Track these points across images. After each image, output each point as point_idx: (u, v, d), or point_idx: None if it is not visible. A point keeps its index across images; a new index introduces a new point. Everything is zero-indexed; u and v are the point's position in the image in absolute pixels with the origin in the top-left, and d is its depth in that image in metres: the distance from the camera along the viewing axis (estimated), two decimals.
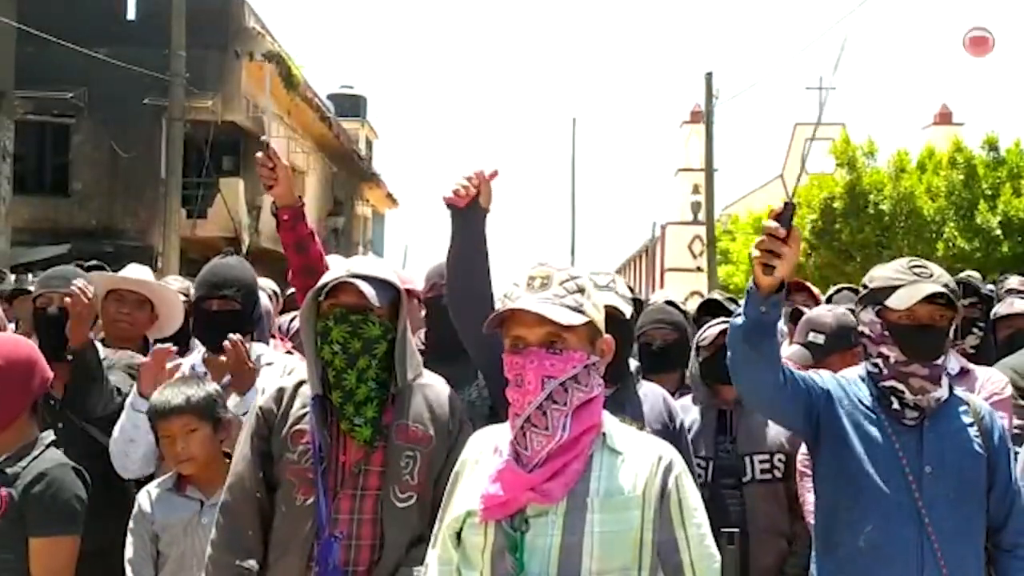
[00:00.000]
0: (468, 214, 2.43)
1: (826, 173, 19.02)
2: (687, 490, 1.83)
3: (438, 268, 3.36)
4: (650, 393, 2.69)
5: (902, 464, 2.27)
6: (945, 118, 25.68)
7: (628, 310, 2.60)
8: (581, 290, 1.83)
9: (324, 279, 2.27)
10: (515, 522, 1.75)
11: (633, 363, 2.74)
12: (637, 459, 1.82)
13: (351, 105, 26.29)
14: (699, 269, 23.79)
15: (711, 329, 3.11)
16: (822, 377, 2.41)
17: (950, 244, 16.48)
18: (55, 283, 3.19)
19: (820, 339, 3.21)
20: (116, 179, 14.21)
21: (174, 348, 3.01)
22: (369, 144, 28.35)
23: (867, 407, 2.34)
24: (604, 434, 1.84)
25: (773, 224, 2.02)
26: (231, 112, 15.12)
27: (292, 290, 3.68)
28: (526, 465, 1.77)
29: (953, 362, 2.95)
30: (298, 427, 2.22)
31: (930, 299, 2.27)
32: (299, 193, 3.07)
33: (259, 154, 2.78)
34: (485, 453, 1.87)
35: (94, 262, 4.97)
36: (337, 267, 2.34)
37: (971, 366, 3.05)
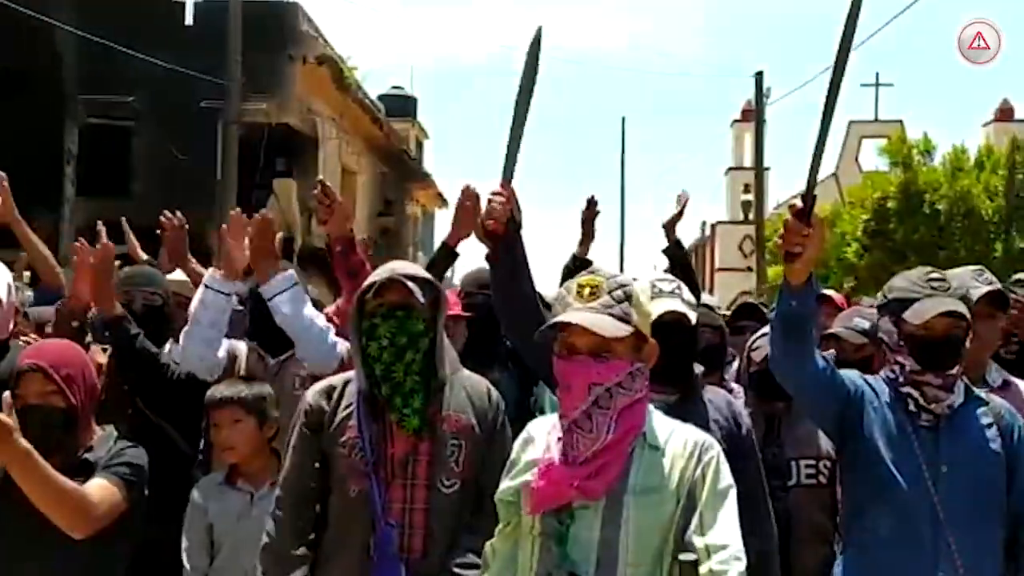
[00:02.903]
0: (507, 236, 2.54)
1: (880, 172, 18.73)
2: (717, 475, 1.90)
3: (473, 277, 3.44)
4: (715, 398, 2.70)
5: (920, 463, 2.38)
6: (1006, 114, 25.05)
7: (693, 316, 2.62)
8: (628, 298, 1.93)
9: (371, 279, 2.40)
10: (561, 516, 1.87)
11: (698, 368, 2.75)
12: (674, 452, 1.92)
13: (402, 106, 26.50)
14: (749, 269, 23.55)
15: (763, 346, 3.11)
16: (852, 377, 2.51)
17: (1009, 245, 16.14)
18: (137, 281, 3.33)
19: (865, 324, 3.27)
20: (174, 181, 14.50)
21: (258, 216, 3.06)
22: (419, 144, 28.57)
23: (889, 408, 2.44)
24: (645, 432, 1.94)
25: (793, 220, 2.18)
26: (285, 115, 15.37)
27: None
28: (572, 463, 1.88)
29: (995, 374, 2.98)
30: (346, 422, 2.35)
31: (946, 313, 2.36)
32: (350, 193, 3.20)
33: (316, 191, 2.90)
34: (540, 438, 1.99)
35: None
36: (380, 270, 2.46)
37: (1013, 379, 3.03)
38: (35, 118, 13.35)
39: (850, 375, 2.53)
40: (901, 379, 2.44)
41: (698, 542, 1.84)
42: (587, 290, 1.91)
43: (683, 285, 2.73)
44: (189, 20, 15.63)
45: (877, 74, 29.02)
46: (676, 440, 1.94)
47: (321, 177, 3.07)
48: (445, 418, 2.35)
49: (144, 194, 15.16)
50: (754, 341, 3.21)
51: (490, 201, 2.56)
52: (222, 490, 2.83)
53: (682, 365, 2.62)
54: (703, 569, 1.81)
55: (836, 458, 2.66)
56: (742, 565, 1.83)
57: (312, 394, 2.44)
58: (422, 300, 2.35)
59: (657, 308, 2.56)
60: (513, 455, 2.06)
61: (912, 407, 2.42)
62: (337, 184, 18.49)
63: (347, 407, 2.38)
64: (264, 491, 2.78)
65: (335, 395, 2.40)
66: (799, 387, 2.46)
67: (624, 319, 1.89)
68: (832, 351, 3.61)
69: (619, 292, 1.92)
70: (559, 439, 1.93)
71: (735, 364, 3.90)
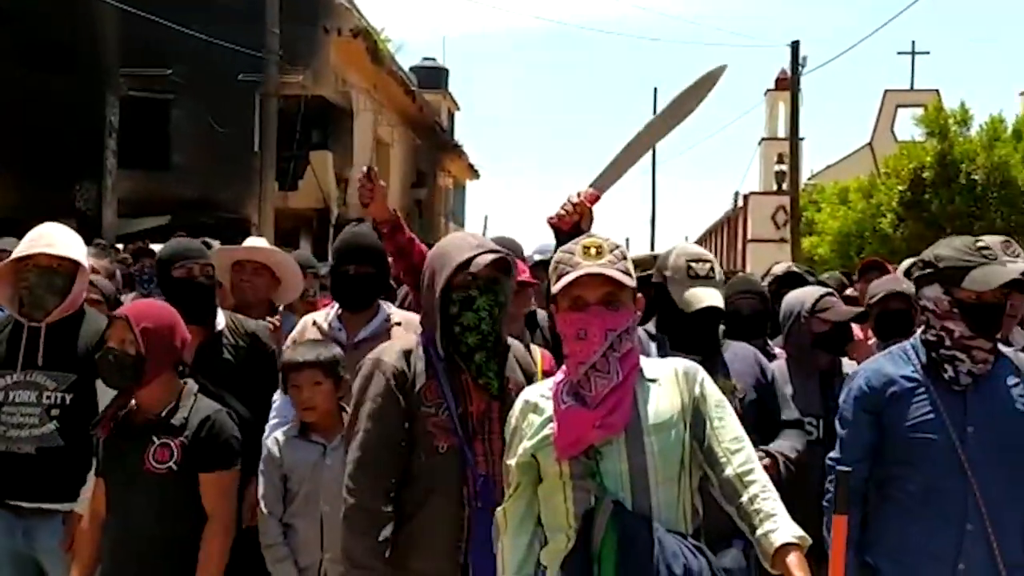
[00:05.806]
0: (572, 235, 2.67)
1: (916, 141, 18.51)
2: (712, 390, 2.19)
3: (539, 250, 3.61)
4: (739, 351, 2.94)
5: (947, 426, 2.48)
6: None
7: (722, 301, 2.82)
8: (625, 257, 2.17)
9: (467, 254, 2.42)
10: (589, 454, 2.09)
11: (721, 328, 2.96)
12: (669, 381, 2.18)
13: (433, 77, 26.56)
14: (782, 240, 23.44)
15: (832, 307, 3.30)
16: (869, 388, 2.60)
17: None
18: (193, 254, 3.41)
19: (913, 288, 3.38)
20: (213, 153, 14.75)
21: None
22: (451, 116, 28.64)
23: (914, 380, 2.54)
24: (641, 369, 2.17)
25: None
26: (320, 87, 15.53)
27: None
28: (590, 405, 2.09)
29: (1021, 337, 3.07)
30: (428, 383, 2.44)
31: (1009, 282, 2.45)
32: (384, 165, 3.32)
33: (359, 175, 3.01)
34: (542, 401, 2.19)
35: (205, 239, 5.37)
36: (468, 242, 2.51)
37: None
38: (78, 92, 13.60)
39: (868, 403, 2.60)
40: (948, 343, 2.49)
41: (718, 450, 2.10)
42: (593, 250, 2.14)
43: (716, 266, 2.87)
44: None
45: (913, 42, 28.41)
46: (666, 371, 2.20)
47: (370, 165, 3.17)
48: (508, 380, 2.48)
49: (183, 165, 15.47)
50: (817, 303, 3.30)
51: (566, 203, 2.80)
52: (296, 443, 2.99)
53: (711, 338, 2.90)
54: (728, 472, 2.08)
55: None
56: (756, 459, 2.13)
57: (393, 358, 2.48)
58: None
59: (701, 298, 2.78)
60: (514, 423, 2.22)
61: (951, 373, 2.50)
62: (371, 156, 18.64)
63: (424, 369, 2.46)
64: (336, 443, 2.93)
65: (411, 358, 2.49)
66: None
67: (628, 273, 2.14)
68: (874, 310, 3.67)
69: (618, 252, 2.17)
70: (568, 390, 2.13)
71: None
